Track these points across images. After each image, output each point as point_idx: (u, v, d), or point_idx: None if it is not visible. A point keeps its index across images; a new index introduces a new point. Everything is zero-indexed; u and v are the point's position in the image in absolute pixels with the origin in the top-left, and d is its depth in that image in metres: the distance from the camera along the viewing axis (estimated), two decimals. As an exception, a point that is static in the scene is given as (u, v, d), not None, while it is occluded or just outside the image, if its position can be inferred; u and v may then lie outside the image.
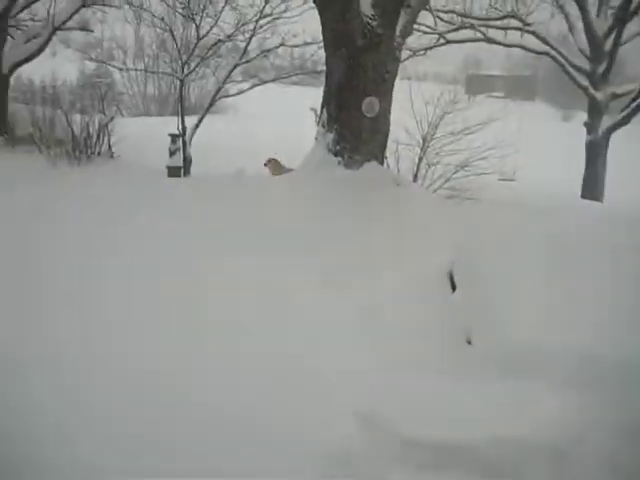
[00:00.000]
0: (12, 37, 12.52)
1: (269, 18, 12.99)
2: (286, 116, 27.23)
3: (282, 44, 13.45)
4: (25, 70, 14.86)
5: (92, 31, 14.96)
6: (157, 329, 4.80)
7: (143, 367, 4.20)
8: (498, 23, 14.93)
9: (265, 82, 14.23)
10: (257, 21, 12.87)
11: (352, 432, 3.64)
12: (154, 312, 5.05)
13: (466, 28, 14.41)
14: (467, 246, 5.73)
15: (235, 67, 13.23)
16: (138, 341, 4.57)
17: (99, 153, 10.46)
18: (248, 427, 3.69)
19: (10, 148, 10.62)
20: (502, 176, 16.09)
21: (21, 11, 12.61)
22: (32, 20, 14.37)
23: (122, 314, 4.99)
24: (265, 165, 9.99)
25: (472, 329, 4.67)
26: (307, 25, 12.98)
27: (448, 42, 14.93)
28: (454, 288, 5.43)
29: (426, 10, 11.29)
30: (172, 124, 13.00)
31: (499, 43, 15.40)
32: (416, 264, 5.94)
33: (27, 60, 12.09)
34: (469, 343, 4.63)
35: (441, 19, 14.65)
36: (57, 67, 32.83)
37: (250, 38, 13.04)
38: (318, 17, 8.62)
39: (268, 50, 13.73)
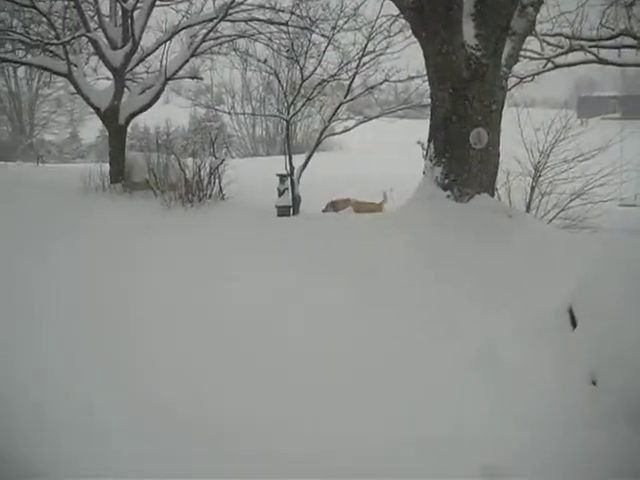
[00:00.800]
0: (129, 89, 13.18)
1: (372, 55, 13.09)
2: (393, 151, 27.26)
3: (386, 80, 13.45)
4: (140, 119, 15.63)
5: (202, 79, 15.52)
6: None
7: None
8: (610, 42, 14.33)
9: (370, 118, 14.28)
10: (360, 59, 12.97)
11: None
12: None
13: (576, 50, 13.89)
14: (588, 278, 5.39)
15: (340, 105, 13.36)
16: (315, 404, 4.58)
17: (210, 195, 10.72)
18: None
19: (128, 194, 11.10)
20: (622, 202, 15.30)
21: (136, 65, 13.25)
22: (146, 72, 15.12)
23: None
24: (325, 209, 9.58)
25: (596, 369, 4.37)
26: (410, 59, 12.97)
27: (557, 66, 14.42)
28: (575, 324, 5.12)
29: (532, 36, 10.98)
30: (280, 163, 13.24)
31: (612, 63, 14.75)
32: (533, 299, 5.70)
33: (142, 110, 12.66)
34: (594, 384, 4.33)
35: (548, 43, 14.20)
36: (170, 114, 34.52)
37: (354, 76, 13.14)
38: (421, 51, 8.58)
39: (372, 87, 13.76)
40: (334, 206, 9.44)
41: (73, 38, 11.98)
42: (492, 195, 8.57)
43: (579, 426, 3.86)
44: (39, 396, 4.49)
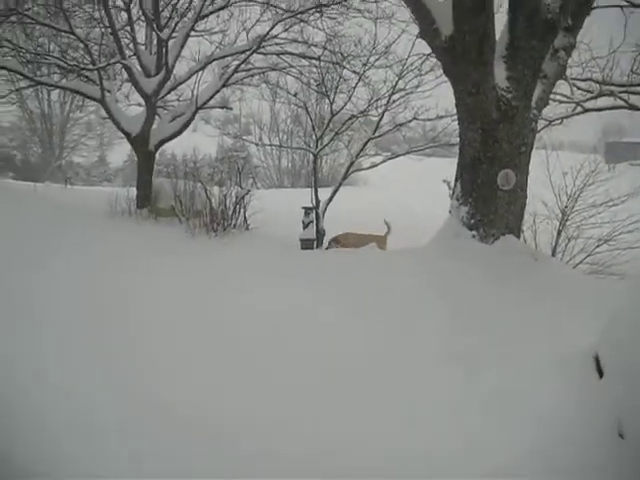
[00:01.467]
0: (159, 116, 13.35)
1: (402, 93, 13.16)
2: (418, 188, 27.24)
3: (415, 118, 13.49)
4: (168, 146, 15.78)
5: (231, 109, 15.71)
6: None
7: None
8: (641, 89, 14.29)
9: (397, 155, 14.32)
10: (390, 96, 13.04)
11: None
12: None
13: (606, 95, 13.86)
14: (615, 327, 5.27)
15: (368, 141, 13.40)
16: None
17: (235, 225, 10.77)
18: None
19: (153, 219, 11.18)
20: (651, 249, 15.07)
21: (168, 93, 13.44)
22: (178, 100, 15.35)
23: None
24: (329, 245, 9.48)
25: (624, 420, 4.25)
26: (440, 98, 13.02)
27: (586, 110, 14.39)
28: (601, 374, 5.00)
29: (562, 79, 10.98)
30: (304, 196, 13.27)
31: (641, 109, 14.73)
32: (557, 346, 5.57)
33: (172, 137, 12.82)
34: (621, 437, 4.21)
35: (578, 87, 14.19)
36: (197, 142, 34.87)
37: (383, 113, 13.21)
38: (451, 90, 8.61)
39: (401, 124, 13.80)
40: (337, 242, 9.35)
41: (108, 64, 12.21)
42: (518, 237, 8.51)
43: (601, 476, 3.75)
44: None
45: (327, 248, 9.36)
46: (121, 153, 40.85)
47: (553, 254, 9.78)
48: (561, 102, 14.21)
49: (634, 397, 4.24)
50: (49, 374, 5.03)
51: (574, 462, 3.97)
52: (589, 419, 4.31)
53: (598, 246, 9.80)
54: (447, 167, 11.11)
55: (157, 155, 13.59)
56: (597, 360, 5.12)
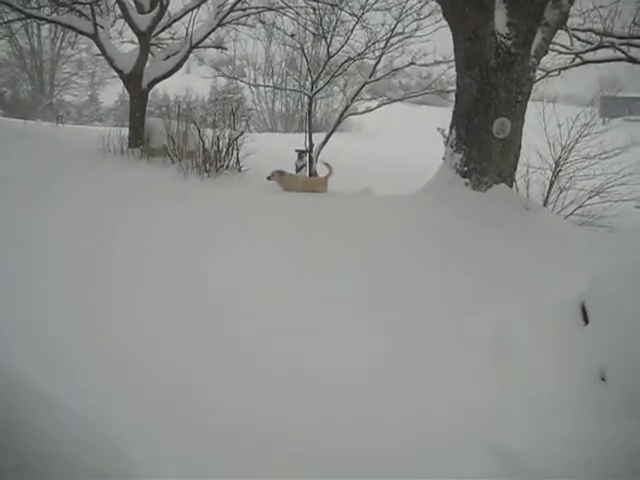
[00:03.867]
0: (152, 55, 13.13)
1: (400, 37, 12.94)
2: (412, 135, 27.10)
3: (412, 63, 13.28)
4: (161, 85, 15.58)
5: (226, 49, 15.40)
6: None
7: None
8: (642, 41, 14.12)
9: (393, 101, 14.14)
10: (388, 40, 12.83)
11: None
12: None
13: (605, 47, 13.68)
14: (601, 276, 5.35)
15: (364, 85, 13.23)
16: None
17: (227, 166, 10.73)
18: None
19: (145, 159, 11.12)
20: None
21: (162, 30, 13.19)
22: (172, 39, 15.06)
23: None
24: (269, 179, 9.37)
25: (606, 365, 4.35)
26: (438, 44, 12.83)
27: (585, 62, 14.22)
28: (587, 320, 5.09)
29: (562, 29, 10.83)
30: (297, 140, 13.17)
31: (642, 62, 14.57)
32: (545, 293, 5.65)
33: (165, 76, 12.64)
34: (603, 380, 4.31)
35: (578, 38, 14.01)
36: (191, 83, 34.45)
37: (380, 56, 13.00)
38: (450, 36, 8.50)
39: (398, 69, 13.61)
40: (273, 175, 9.20)
41: (101, -1, 11.95)
42: (510, 186, 8.53)
43: (586, 419, 3.85)
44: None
45: (269, 178, 9.22)
46: (112, 93, 40.37)
47: (545, 204, 9.80)
48: (560, 52, 14.04)
49: (616, 343, 4.34)
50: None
51: (558, 404, 4.07)
52: (573, 363, 4.41)
53: (590, 198, 9.81)
54: (441, 115, 11.03)
55: (150, 95, 13.42)
56: (583, 308, 5.21)
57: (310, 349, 4.90)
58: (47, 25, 24.31)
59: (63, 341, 4.73)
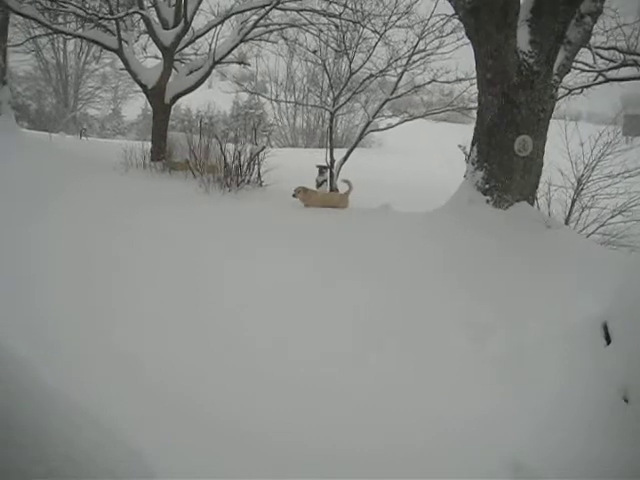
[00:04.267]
0: (176, 70, 13.30)
1: (422, 54, 12.98)
2: (433, 152, 27.10)
3: (434, 80, 13.31)
4: (183, 100, 15.74)
5: (249, 64, 15.58)
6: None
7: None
8: (665, 60, 14.04)
9: (414, 118, 14.16)
10: (410, 57, 12.87)
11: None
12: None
13: (629, 65, 13.62)
14: (624, 295, 5.29)
15: (385, 102, 13.27)
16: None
17: (249, 181, 10.81)
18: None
19: (167, 172, 11.23)
20: (663, 223, 14.91)
21: (186, 46, 13.38)
22: (195, 54, 15.26)
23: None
24: (294, 196, 9.43)
25: (629, 386, 4.29)
26: (460, 61, 12.85)
27: (608, 80, 14.16)
28: (609, 340, 5.03)
29: (585, 47, 10.81)
30: (318, 156, 13.24)
31: (665, 81, 14.50)
32: (567, 312, 5.61)
33: (188, 91, 12.80)
34: (626, 401, 4.25)
35: (601, 56, 13.97)
36: (212, 98, 34.74)
37: (402, 73, 13.04)
38: (472, 53, 8.50)
39: (419, 86, 13.64)
40: (298, 192, 9.30)
41: (127, 14, 12.15)
42: (532, 204, 8.48)
43: (608, 440, 3.80)
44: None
45: (294, 196, 9.31)
46: (135, 107, 40.84)
47: (566, 223, 9.73)
48: (583, 70, 14.00)
49: (639, 364, 4.28)
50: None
51: (579, 424, 4.02)
52: (596, 384, 4.35)
53: (612, 217, 9.73)
54: (463, 132, 11.04)
55: (172, 109, 13.57)
56: (605, 327, 5.15)
57: (321, 361, 4.89)
58: (73, 40, 24.65)
59: (67, 342, 4.76)
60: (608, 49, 13.83)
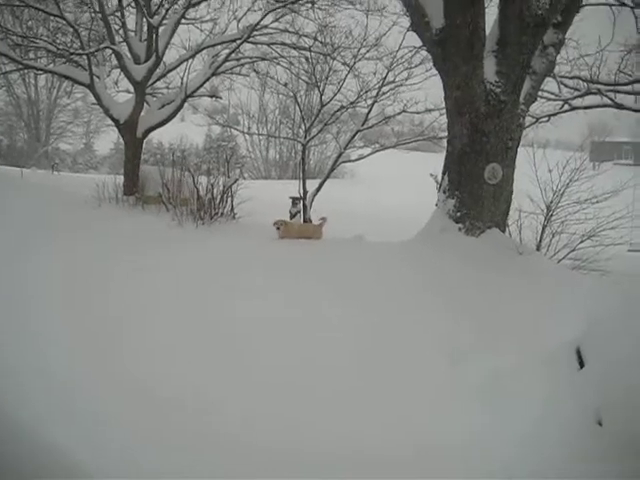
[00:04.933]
0: (148, 104, 13.31)
1: (391, 85, 13.16)
2: (405, 181, 27.36)
3: (404, 111, 13.49)
4: (155, 134, 15.74)
5: (221, 97, 15.62)
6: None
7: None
8: (627, 88, 14.41)
9: (385, 148, 14.29)
10: (379, 88, 13.04)
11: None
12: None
13: (593, 94, 13.96)
14: (596, 320, 5.36)
15: (357, 133, 13.42)
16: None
17: (222, 214, 10.79)
18: None
19: (140, 207, 11.17)
20: (632, 247, 15.16)
21: (157, 80, 13.41)
22: (167, 88, 15.29)
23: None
24: (278, 228, 9.53)
25: (603, 409, 4.33)
26: (429, 91, 13.06)
27: (573, 108, 14.48)
28: (582, 364, 5.08)
29: (550, 77, 11.07)
30: (292, 187, 13.30)
31: (628, 108, 14.82)
32: (538, 337, 5.69)
33: (160, 125, 12.82)
34: (599, 425, 4.29)
35: (566, 85, 14.31)
36: (185, 132, 34.84)
37: (372, 105, 13.19)
38: (440, 83, 8.67)
39: (390, 117, 13.80)
40: (277, 224, 9.41)
41: (98, 50, 12.18)
42: (503, 231, 8.60)
43: (583, 463, 3.83)
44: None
45: (278, 228, 9.39)
46: (107, 141, 40.74)
47: (537, 249, 9.85)
48: (549, 99, 14.32)
49: (612, 388, 4.33)
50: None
51: (554, 449, 4.05)
52: (568, 407, 4.39)
53: (582, 242, 9.89)
54: (433, 161, 11.18)
55: (144, 143, 13.57)
56: (579, 352, 5.21)
57: (305, 395, 4.88)
58: (44, 75, 24.63)
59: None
60: (572, 78, 14.18)
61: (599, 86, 13.72)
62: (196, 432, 4.20)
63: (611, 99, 13.88)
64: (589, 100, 14.77)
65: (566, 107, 14.51)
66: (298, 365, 5.25)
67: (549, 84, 13.08)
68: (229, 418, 4.49)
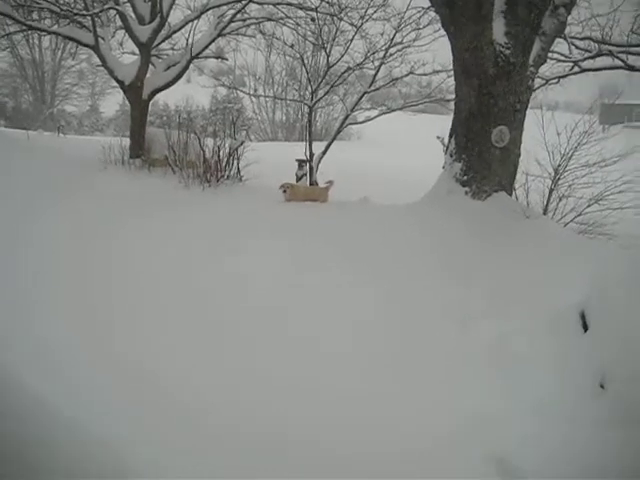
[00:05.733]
0: (153, 65, 13.20)
1: (399, 47, 13.00)
2: (412, 144, 27.17)
3: (411, 72, 13.33)
4: (161, 96, 15.63)
5: (227, 59, 15.49)
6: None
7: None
8: (640, 49, 14.18)
9: (392, 110, 14.16)
10: (387, 50, 12.89)
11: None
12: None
13: (604, 55, 13.73)
14: (601, 283, 5.36)
15: (364, 94, 13.28)
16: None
17: (228, 176, 10.77)
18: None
19: (146, 169, 11.16)
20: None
21: (163, 41, 13.28)
22: (172, 49, 15.15)
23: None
24: (284, 191, 9.56)
25: (605, 372, 4.36)
26: (437, 53, 12.90)
27: (584, 70, 14.26)
28: (586, 328, 5.11)
29: (561, 37, 10.89)
30: (298, 149, 13.22)
31: (640, 70, 14.63)
32: (545, 301, 5.69)
33: (166, 87, 12.72)
34: (602, 387, 4.33)
35: (576, 46, 14.07)
36: (191, 93, 34.60)
37: (379, 66, 13.05)
38: (448, 45, 8.55)
39: (397, 78, 13.64)
40: (283, 187, 9.43)
41: (102, 10, 12.04)
42: (510, 194, 8.56)
43: (585, 425, 3.87)
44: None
45: (284, 191, 9.40)
46: (113, 103, 40.53)
47: (544, 212, 9.80)
48: (558, 61, 14.10)
49: (615, 351, 4.36)
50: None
51: (557, 410, 4.09)
52: (572, 371, 4.43)
53: (589, 206, 9.81)
54: (441, 123, 11.09)
55: (150, 105, 13.49)
56: (583, 315, 5.23)
57: (310, 354, 4.92)
58: (48, 36, 24.40)
59: (64, 349, 4.74)
60: (583, 39, 13.94)
61: (611, 47, 13.49)
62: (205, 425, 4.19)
63: (623, 61, 13.65)
64: (600, 62, 14.53)
65: (576, 69, 14.27)
66: (311, 334, 5.28)
67: (559, 45, 12.87)
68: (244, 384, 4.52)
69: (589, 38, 13.89)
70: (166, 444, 3.65)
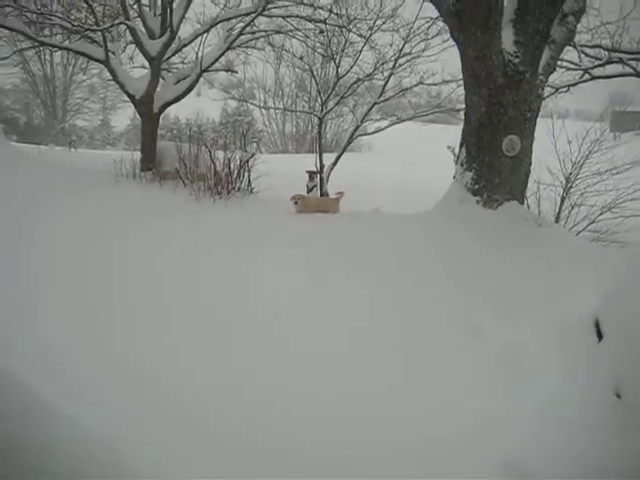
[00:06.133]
0: (163, 79, 13.30)
1: (408, 57, 13.03)
2: (422, 154, 27.16)
3: (420, 82, 13.36)
4: (171, 109, 15.73)
5: (236, 72, 15.56)
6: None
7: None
8: (650, 57, 14.13)
9: (402, 120, 14.19)
10: (396, 60, 12.93)
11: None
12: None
13: (614, 63, 13.70)
14: (615, 292, 5.32)
15: (374, 105, 13.32)
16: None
17: (239, 189, 10.80)
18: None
19: (157, 182, 11.21)
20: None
21: (173, 55, 13.39)
22: (182, 63, 15.26)
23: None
24: (295, 203, 9.58)
25: (621, 381, 4.32)
26: (446, 63, 12.92)
27: (594, 78, 14.22)
28: (600, 337, 5.06)
29: (570, 46, 10.88)
30: (309, 161, 13.27)
31: (650, 78, 14.58)
32: (558, 310, 5.64)
33: (176, 100, 12.80)
34: (618, 397, 4.28)
35: (586, 54, 14.04)
36: (201, 106, 34.80)
37: (389, 77, 13.09)
38: (457, 55, 8.56)
39: (406, 89, 13.68)
40: (294, 199, 9.47)
41: (112, 25, 12.14)
42: (522, 203, 8.52)
43: (600, 435, 3.82)
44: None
45: (295, 202, 9.43)
46: (124, 117, 40.80)
47: (556, 221, 9.76)
48: (568, 69, 14.07)
49: (631, 360, 4.31)
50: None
51: (572, 420, 4.05)
52: (587, 380, 4.38)
53: (601, 214, 9.75)
54: (451, 133, 11.08)
55: (161, 118, 13.57)
56: (597, 324, 5.18)
57: (313, 357, 4.91)
58: (59, 52, 24.65)
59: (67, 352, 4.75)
60: (593, 47, 13.91)
61: (621, 55, 13.46)
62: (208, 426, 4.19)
63: (633, 68, 13.61)
64: (610, 69, 14.49)
65: (586, 77, 14.23)
66: (317, 341, 5.27)
67: (569, 53, 12.84)
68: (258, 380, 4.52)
69: (599, 46, 13.86)
70: (168, 445, 3.68)
